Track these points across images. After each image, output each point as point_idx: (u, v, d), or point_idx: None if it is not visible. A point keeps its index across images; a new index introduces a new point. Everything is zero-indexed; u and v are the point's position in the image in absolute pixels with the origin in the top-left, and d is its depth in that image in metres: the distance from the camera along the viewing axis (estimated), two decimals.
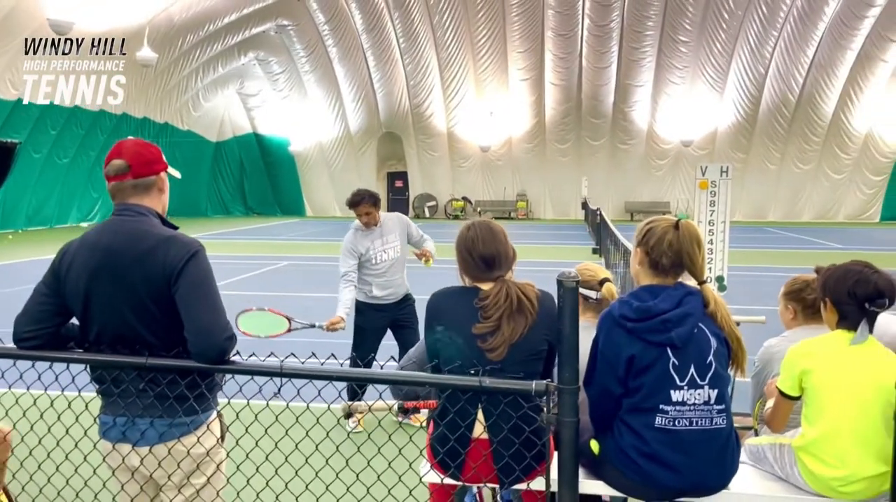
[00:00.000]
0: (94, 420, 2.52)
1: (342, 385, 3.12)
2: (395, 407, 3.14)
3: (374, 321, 5.59)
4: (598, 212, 18.16)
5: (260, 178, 35.91)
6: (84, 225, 28.12)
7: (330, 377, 2.39)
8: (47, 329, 2.45)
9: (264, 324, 5.01)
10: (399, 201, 36.18)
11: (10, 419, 2.66)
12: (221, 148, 35.06)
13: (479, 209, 34.54)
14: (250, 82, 33.55)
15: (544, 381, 2.28)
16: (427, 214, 34.69)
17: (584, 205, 30.47)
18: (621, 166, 33.93)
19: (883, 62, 30.27)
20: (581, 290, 3.10)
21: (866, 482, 2.34)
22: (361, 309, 5.61)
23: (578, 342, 2.27)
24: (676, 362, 2.27)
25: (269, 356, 2.45)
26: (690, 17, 30.63)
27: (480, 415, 2.45)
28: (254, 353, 2.38)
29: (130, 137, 2.66)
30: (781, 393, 2.49)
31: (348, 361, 4.94)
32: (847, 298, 2.43)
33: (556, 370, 2.61)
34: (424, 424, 5.56)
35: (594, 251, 18.60)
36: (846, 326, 2.45)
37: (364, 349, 5.52)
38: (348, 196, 5.63)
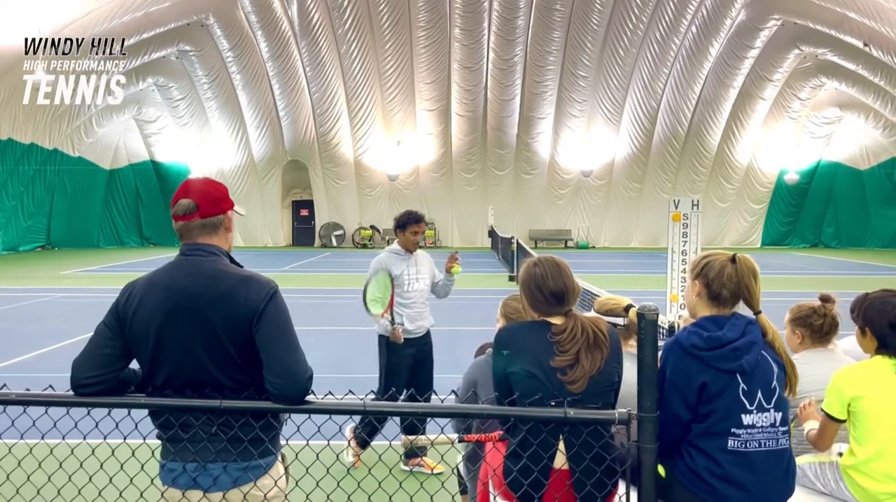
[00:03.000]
0: (161, 467, 2.42)
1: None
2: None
3: (405, 359, 5.42)
4: (515, 241, 18.59)
5: (157, 207, 34.38)
6: None
7: (415, 413, 2.42)
8: (110, 373, 2.35)
9: (382, 297, 5.20)
10: (305, 230, 35.67)
11: (64, 471, 2.51)
12: (116, 176, 33.52)
13: (387, 238, 34.52)
14: (148, 108, 32.31)
15: (625, 410, 2.39)
16: (334, 243, 34.36)
17: (491, 233, 31.06)
18: (525, 195, 34.92)
19: (761, 100, 32.73)
20: (609, 318, 3.25)
21: None
22: (394, 348, 5.39)
23: (657, 372, 2.40)
24: (746, 388, 2.43)
25: (346, 394, 2.44)
26: (589, 53, 32.12)
27: (560, 446, 2.52)
28: (330, 392, 2.36)
29: (199, 176, 2.61)
30: (829, 416, 2.70)
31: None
32: (889, 329, 2.70)
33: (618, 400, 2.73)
34: (437, 470, 5.31)
35: (511, 278, 18.98)
36: (887, 352, 2.71)
37: (399, 389, 5.30)
38: (399, 214, 5.56)
